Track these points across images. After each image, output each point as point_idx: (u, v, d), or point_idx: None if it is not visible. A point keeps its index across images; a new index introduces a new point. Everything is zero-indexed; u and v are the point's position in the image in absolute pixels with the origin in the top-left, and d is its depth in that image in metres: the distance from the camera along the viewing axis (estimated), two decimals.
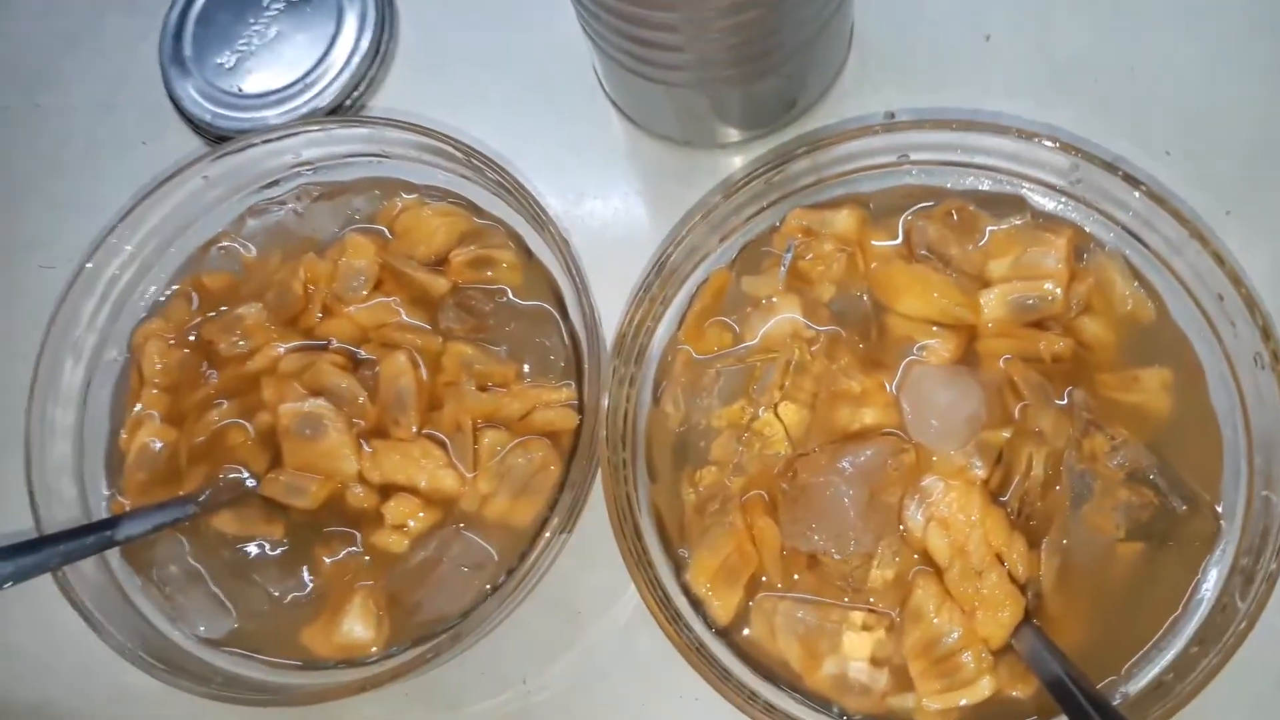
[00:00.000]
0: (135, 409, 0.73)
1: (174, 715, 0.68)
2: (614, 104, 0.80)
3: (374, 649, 0.67)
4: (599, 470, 0.65)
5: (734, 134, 0.77)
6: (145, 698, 0.68)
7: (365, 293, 0.72)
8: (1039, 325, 0.65)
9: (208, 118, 0.83)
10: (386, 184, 0.77)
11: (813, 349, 0.66)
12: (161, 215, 0.77)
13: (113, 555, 0.70)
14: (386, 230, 0.76)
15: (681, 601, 0.64)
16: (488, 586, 0.66)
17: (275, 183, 0.79)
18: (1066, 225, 0.67)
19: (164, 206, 0.77)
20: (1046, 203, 0.68)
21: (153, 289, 0.78)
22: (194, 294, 0.76)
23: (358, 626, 0.67)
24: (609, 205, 0.78)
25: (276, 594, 0.68)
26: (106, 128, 0.88)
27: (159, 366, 0.73)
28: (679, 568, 0.65)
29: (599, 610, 0.70)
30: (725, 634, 0.63)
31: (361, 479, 0.69)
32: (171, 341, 0.74)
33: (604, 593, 0.70)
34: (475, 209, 0.76)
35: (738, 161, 0.77)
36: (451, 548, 0.68)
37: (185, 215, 0.78)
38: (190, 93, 0.85)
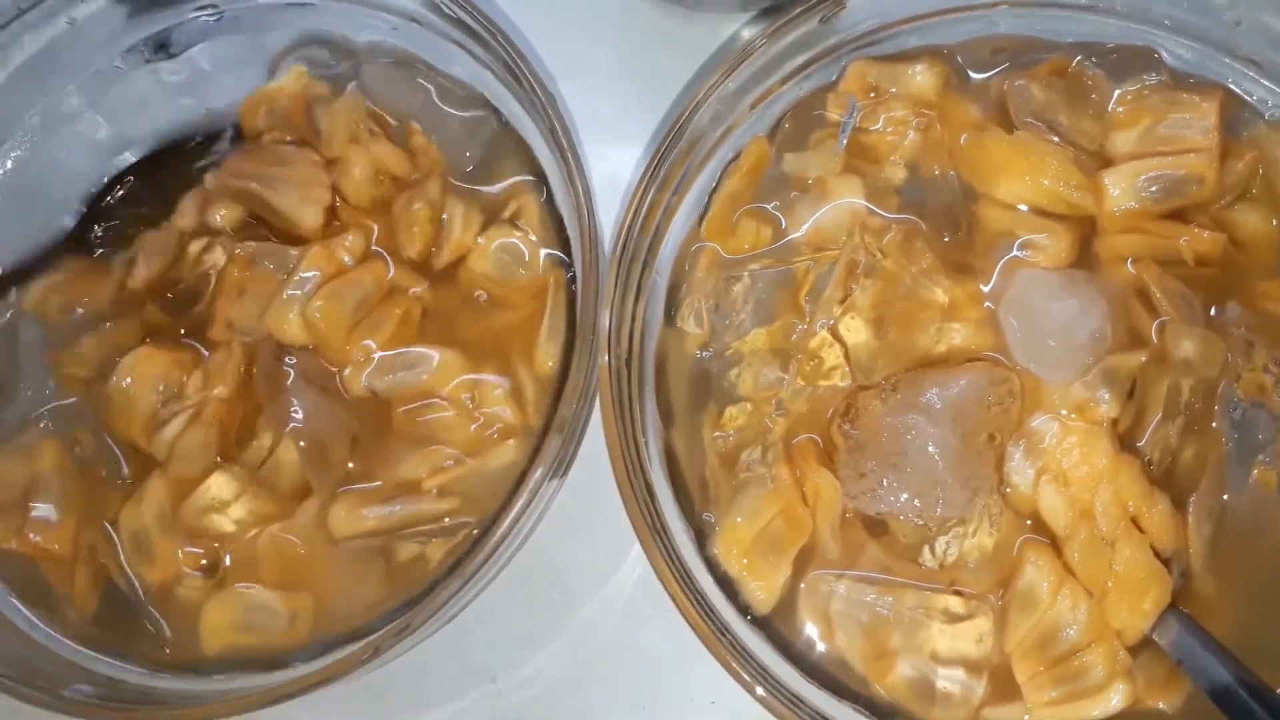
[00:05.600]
0: None
1: None
2: None
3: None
4: (593, 408, 0.55)
5: None
6: None
7: None
8: (1179, 217, 0.54)
9: None
10: (313, 41, 0.63)
11: (883, 245, 0.54)
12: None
13: None
14: None
15: (706, 580, 0.52)
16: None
17: (166, 34, 0.63)
18: (1215, 86, 0.55)
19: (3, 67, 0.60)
20: (1188, 55, 0.56)
21: None
22: None
23: None
24: (593, 84, 0.67)
25: None
26: None
27: None
28: (702, 537, 0.53)
29: (588, 590, 0.62)
30: (764, 623, 0.53)
31: None
32: None
33: (593, 568, 0.62)
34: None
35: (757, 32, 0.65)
36: None
37: (36, 79, 0.61)
38: None
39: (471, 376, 0.56)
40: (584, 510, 0.60)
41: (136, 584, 0.55)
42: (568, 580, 0.61)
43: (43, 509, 0.55)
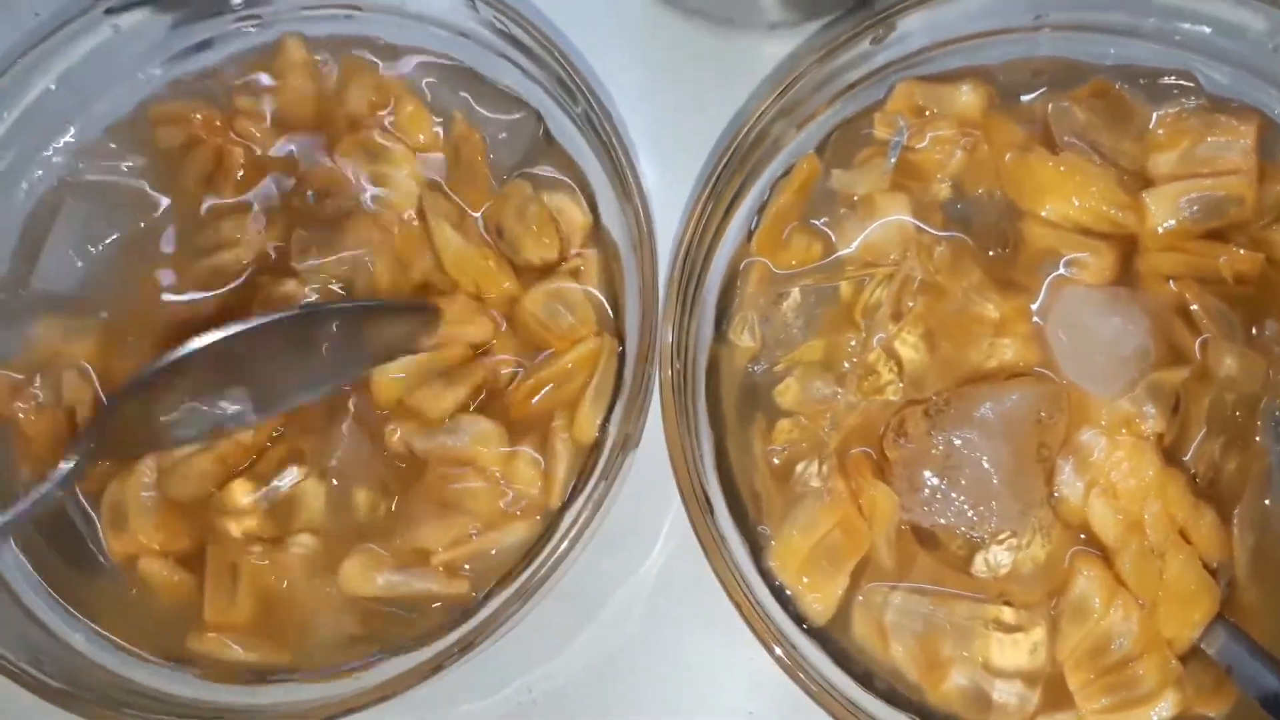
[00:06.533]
0: None
1: None
2: None
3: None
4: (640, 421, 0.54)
5: (789, 9, 0.64)
6: None
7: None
8: (1218, 236, 0.54)
9: None
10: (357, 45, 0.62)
11: (935, 261, 0.55)
12: (47, 83, 0.60)
13: None
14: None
15: (763, 592, 0.52)
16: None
17: (208, 44, 0.62)
18: (1252, 110, 0.55)
19: (48, 72, 0.59)
20: (1224, 80, 0.56)
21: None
22: None
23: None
24: (622, 101, 0.66)
25: None
26: None
27: None
28: (757, 549, 0.53)
29: (606, 592, 0.61)
30: (818, 633, 0.53)
31: None
32: None
33: (616, 572, 0.61)
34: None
35: (790, 51, 0.66)
36: None
37: (84, 87, 0.61)
38: None
39: (508, 450, 0.55)
40: (611, 517, 0.57)
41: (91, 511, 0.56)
42: (588, 584, 0.60)
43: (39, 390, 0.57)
